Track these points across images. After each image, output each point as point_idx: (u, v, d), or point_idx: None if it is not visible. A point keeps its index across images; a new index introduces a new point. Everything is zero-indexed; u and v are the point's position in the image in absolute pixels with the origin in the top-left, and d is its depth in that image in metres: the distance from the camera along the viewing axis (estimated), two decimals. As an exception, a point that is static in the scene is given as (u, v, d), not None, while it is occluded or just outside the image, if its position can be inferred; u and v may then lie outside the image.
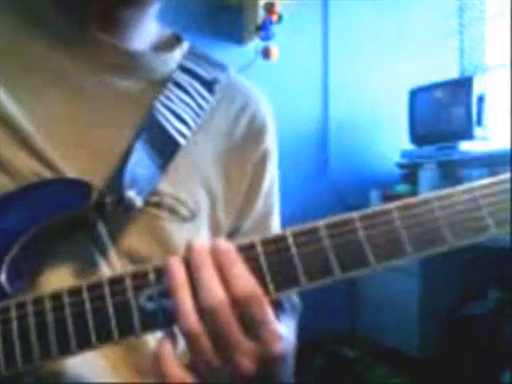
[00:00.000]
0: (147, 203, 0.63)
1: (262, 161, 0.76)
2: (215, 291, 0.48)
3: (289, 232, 0.50)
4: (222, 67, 0.76)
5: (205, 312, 0.48)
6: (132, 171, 0.60)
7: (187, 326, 0.48)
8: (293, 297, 0.77)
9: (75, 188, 0.58)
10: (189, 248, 0.50)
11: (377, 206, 0.49)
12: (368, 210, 0.49)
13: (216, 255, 0.49)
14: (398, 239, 0.48)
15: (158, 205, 0.64)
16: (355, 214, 0.49)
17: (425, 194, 0.49)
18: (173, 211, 0.65)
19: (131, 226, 0.63)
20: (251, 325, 0.48)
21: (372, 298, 3.05)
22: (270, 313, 0.49)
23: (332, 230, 0.49)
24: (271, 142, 0.78)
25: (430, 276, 2.76)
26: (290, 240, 0.49)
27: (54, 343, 0.50)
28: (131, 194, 0.59)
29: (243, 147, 0.74)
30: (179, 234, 0.65)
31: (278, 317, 0.51)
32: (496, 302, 2.67)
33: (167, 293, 0.50)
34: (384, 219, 0.49)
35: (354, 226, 0.49)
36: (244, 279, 0.48)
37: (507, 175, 0.48)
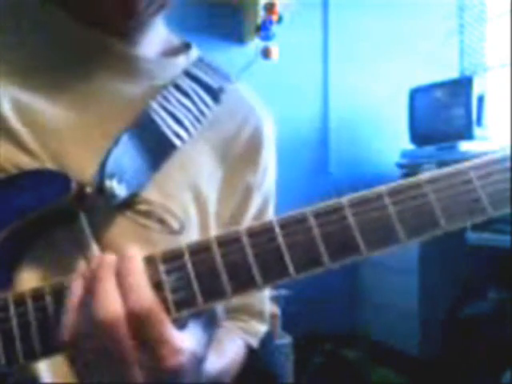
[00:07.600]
0: (135, 211, 0.62)
1: (257, 178, 0.74)
2: (110, 305, 0.45)
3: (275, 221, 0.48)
4: (229, 78, 0.75)
5: (96, 327, 0.45)
6: (115, 162, 0.59)
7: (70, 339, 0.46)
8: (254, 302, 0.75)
9: (55, 180, 0.57)
10: (93, 260, 0.49)
11: (367, 191, 0.48)
12: (357, 196, 0.48)
13: (119, 266, 0.47)
14: (390, 224, 0.47)
15: (146, 214, 0.62)
16: (344, 200, 0.48)
17: (416, 177, 0.48)
18: (162, 221, 0.63)
19: (117, 232, 0.61)
20: (145, 340, 0.46)
21: (372, 298, 3.05)
22: (167, 329, 0.46)
23: (321, 218, 0.48)
24: (269, 159, 0.76)
25: (430, 276, 2.75)
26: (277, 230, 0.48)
27: (38, 342, 0.49)
28: (112, 183, 0.58)
29: (240, 163, 0.73)
30: (166, 245, 0.64)
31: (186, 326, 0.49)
32: (496, 301, 2.66)
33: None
34: (375, 205, 0.47)
35: (344, 213, 0.47)
36: (142, 293, 0.46)
37: (501, 155, 0.47)
